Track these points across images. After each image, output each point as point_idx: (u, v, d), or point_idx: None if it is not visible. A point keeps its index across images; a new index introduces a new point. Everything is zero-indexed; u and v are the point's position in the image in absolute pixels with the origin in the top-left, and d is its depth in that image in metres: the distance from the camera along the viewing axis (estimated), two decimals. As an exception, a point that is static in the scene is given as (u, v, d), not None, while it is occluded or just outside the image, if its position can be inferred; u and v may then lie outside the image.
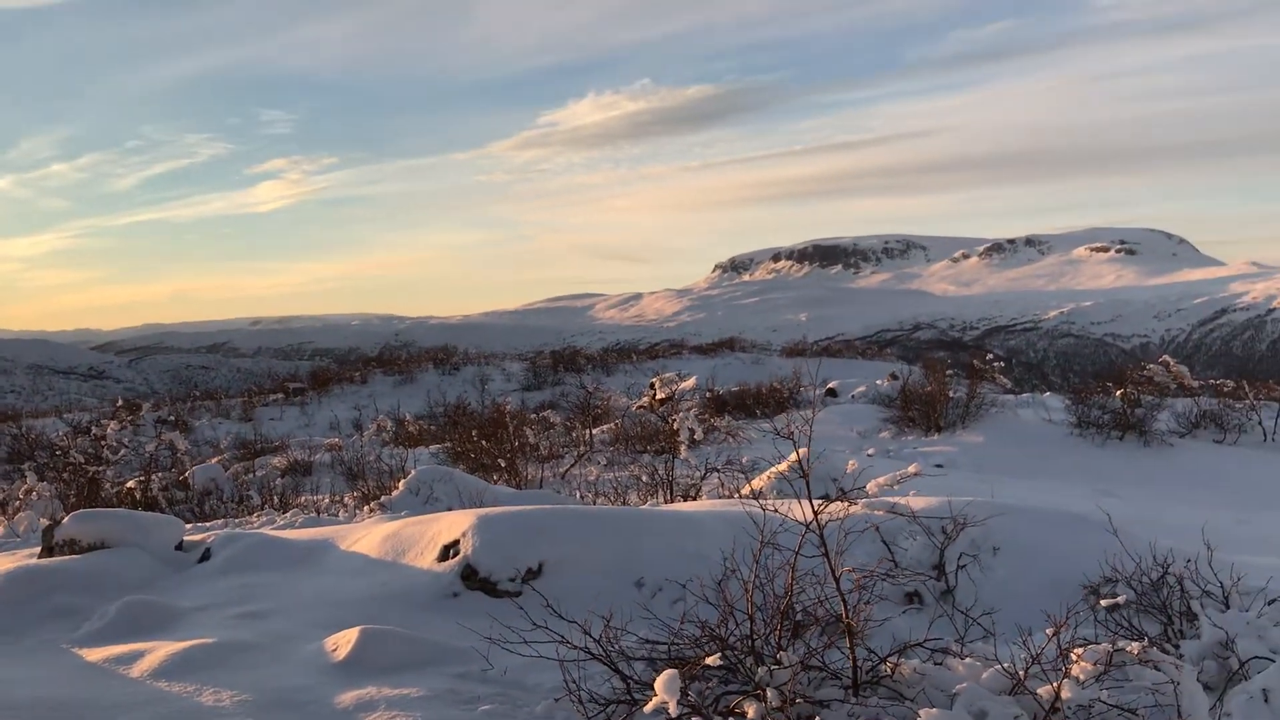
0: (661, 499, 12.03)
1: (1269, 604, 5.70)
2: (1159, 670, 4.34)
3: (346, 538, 7.81)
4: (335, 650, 5.30)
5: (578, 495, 13.39)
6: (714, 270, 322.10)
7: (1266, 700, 4.65)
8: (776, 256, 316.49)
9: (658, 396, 20.30)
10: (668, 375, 21.82)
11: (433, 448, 19.23)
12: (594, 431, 19.60)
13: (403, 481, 11.34)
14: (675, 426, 16.04)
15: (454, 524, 6.96)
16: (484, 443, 16.74)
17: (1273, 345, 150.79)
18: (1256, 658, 5.05)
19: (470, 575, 6.50)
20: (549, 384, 36.31)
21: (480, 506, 9.26)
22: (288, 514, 11.39)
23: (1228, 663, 5.13)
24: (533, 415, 22.77)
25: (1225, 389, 22.91)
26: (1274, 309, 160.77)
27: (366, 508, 11.45)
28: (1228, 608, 5.78)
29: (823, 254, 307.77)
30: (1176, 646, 5.30)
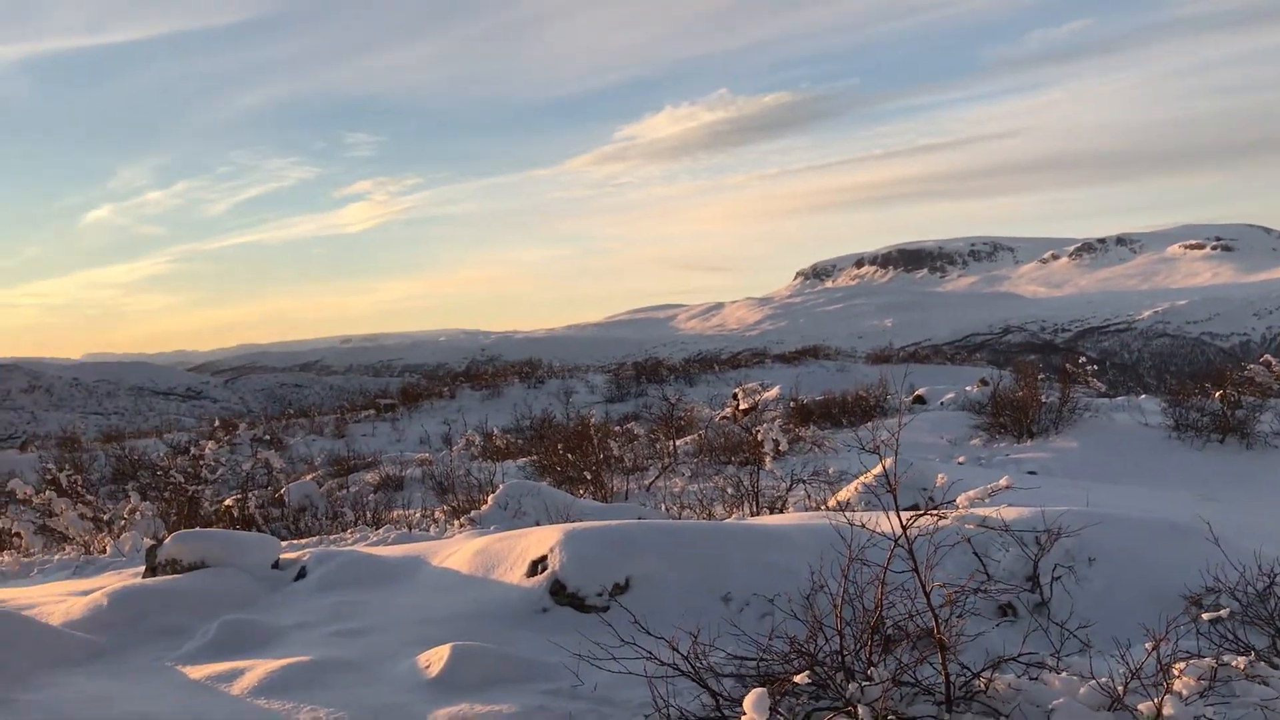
0: (747, 511, 11.99)
1: (1384, 615, 5.49)
2: (1267, 685, 4.21)
3: (437, 554, 7.92)
4: (428, 667, 5.38)
5: (663, 508, 13.40)
6: (795, 278, 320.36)
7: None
8: (859, 262, 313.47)
9: (741, 406, 20.25)
10: (750, 385, 21.78)
11: (520, 461, 19.43)
12: (678, 443, 19.60)
13: (491, 496, 11.48)
14: (759, 437, 15.98)
15: (542, 539, 7.02)
16: (569, 456, 16.87)
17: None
18: (1371, 671, 4.86)
19: (559, 591, 6.55)
20: (632, 395, 36.45)
21: (567, 521, 9.33)
22: (380, 530, 11.60)
23: (1341, 677, 4.95)
24: (616, 427, 22.88)
25: (1333, 388, 22.07)
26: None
27: (457, 522, 11.61)
28: (1339, 619, 5.57)
29: (907, 258, 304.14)
30: (1285, 660, 5.12)
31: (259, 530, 13.39)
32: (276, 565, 8.26)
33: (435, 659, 5.40)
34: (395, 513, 14.66)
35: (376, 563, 7.89)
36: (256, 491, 15.36)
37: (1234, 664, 4.24)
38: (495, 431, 25.65)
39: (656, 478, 16.82)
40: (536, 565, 6.81)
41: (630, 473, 16.99)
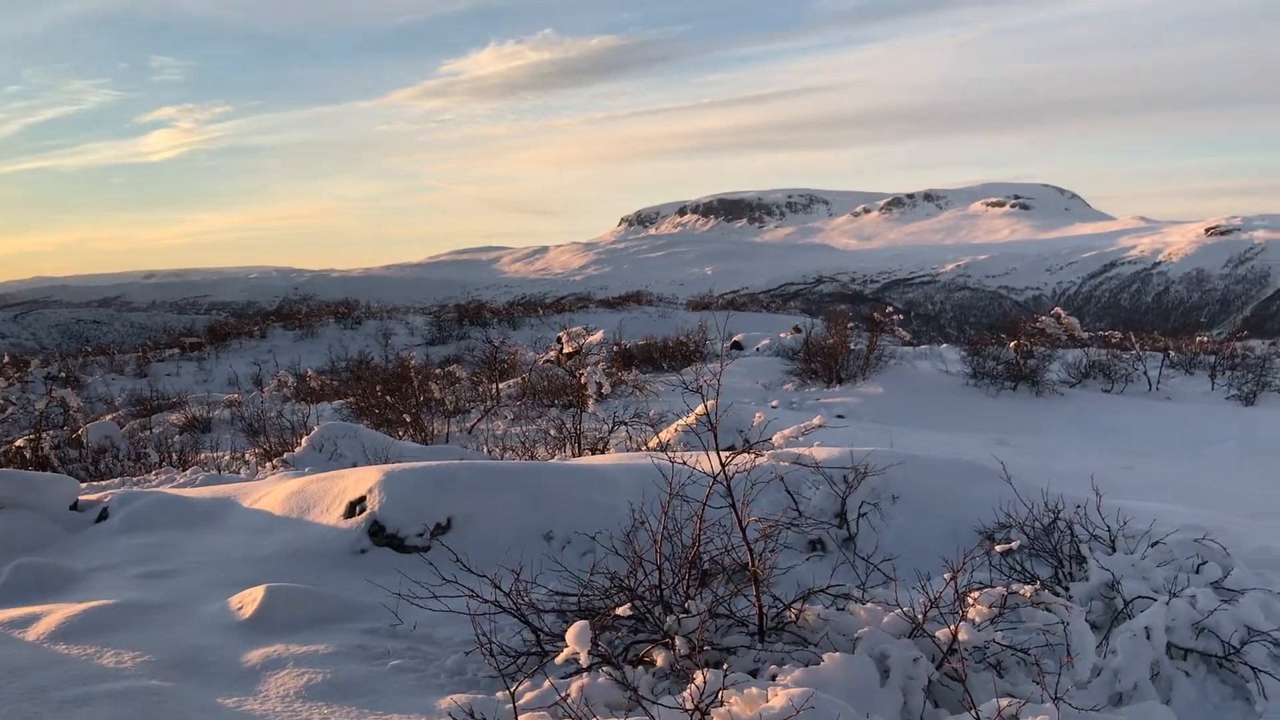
0: (570, 453, 12.07)
1: (1152, 546, 5.99)
2: (1050, 611, 4.53)
3: (249, 495, 7.68)
4: (241, 609, 5.23)
5: (485, 450, 13.35)
6: (620, 224, 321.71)
7: (1149, 637, 4.89)
8: (682, 210, 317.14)
9: (565, 350, 20.26)
10: (575, 329, 21.78)
11: (335, 403, 18.95)
12: (500, 386, 19.52)
13: (306, 438, 11.16)
14: (583, 380, 16.07)
15: (360, 480, 6.89)
16: (388, 398, 16.56)
17: (1158, 298, 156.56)
18: (1140, 597, 5.31)
19: (378, 531, 6.45)
20: (454, 338, 36.01)
21: (386, 462, 9.18)
22: (187, 472, 11.14)
23: (1113, 603, 5.39)
24: (438, 370, 22.58)
25: (1113, 340, 23.76)
26: (1159, 263, 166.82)
27: (269, 465, 11.25)
28: (1114, 551, 6.05)
29: (728, 208, 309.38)
30: (1066, 589, 5.54)
31: (54, 472, 12.64)
32: (75, 507, 7.84)
33: (248, 600, 5.25)
34: (203, 455, 14.09)
35: (184, 504, 7.59)
36: (51, 432, 14.49)
37: (1022, 592, 4.54)
38: (310, 373, 24.93)
39: (479, 420, 16.72)
40: (355, 506, 6.68)
41: (451, 415, 16.83)
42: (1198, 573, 5.67)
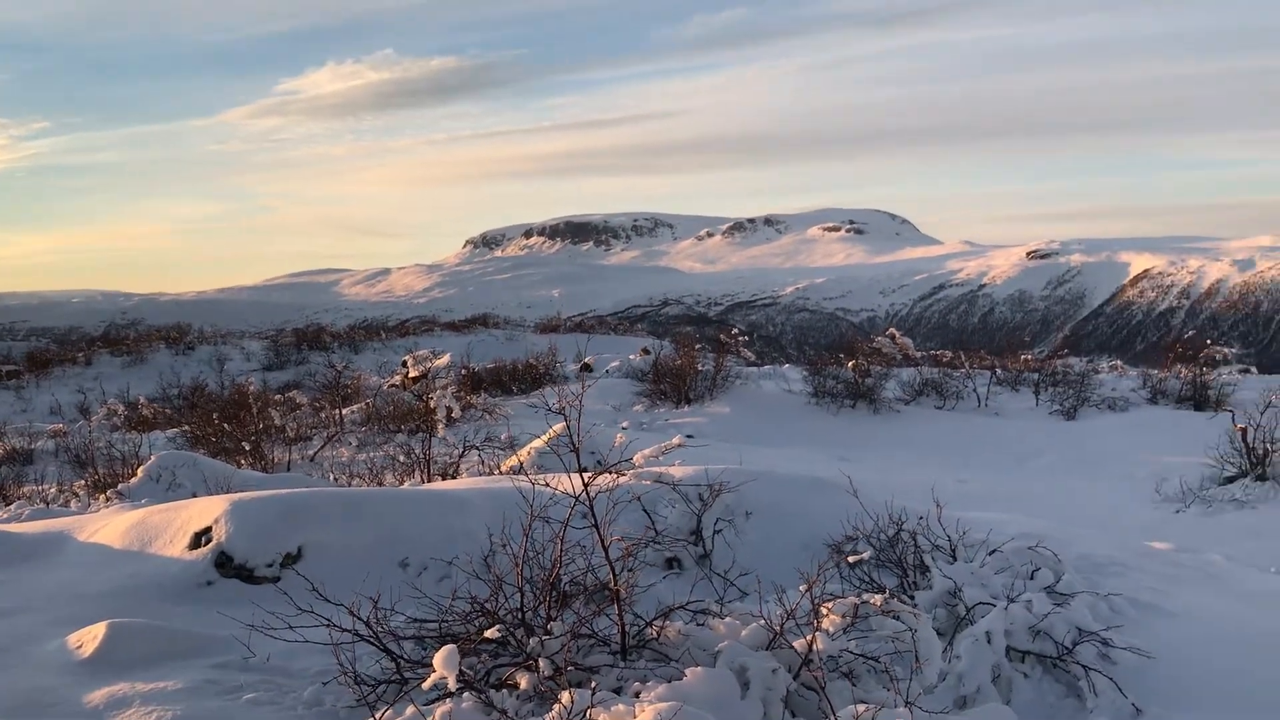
0: (420, 478, 11.89)
1: (989, 554, 6.29)
2: (899, 619, 4.72)
3: (84, 528, 7.31)
4: (80, 647, 4.98)
5: (330, 477, 13.04)
6: (465, 246, 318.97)
7: (990, 641, 5.14)
8: (528, 233, 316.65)
9: (411, 374, 19.98)
10: (421, 353, 21.52)
11: (169, 432, 18.20)
12: (344, 412, 19.09)
13: (142, 468, 10.71)
14: (431, 404, 15.87)
15: (205, 510, 6.65)
16: (226, 426, 16.01)
17: (984, 318, 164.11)
18: (980, 603, 5.57)
19: (225, 563, 6.24)
20: (293, 363, 35.05)
21: (229, 492, 8.88)
22: (11, 506, 10.53)
23: (956, 609, 5.64)
24: (277, 396, 21.94)
25: (944, 359, 24.85)
26: (985, 285, 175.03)
27: (102, 497, 10.74)
28: (955, 560, 6.33)
29: (574, 231, 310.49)
30: (912, 597, 5.76)
31: None
32: (-116, 549, 7.31)
33: (88, 638, 5.00)
34: (26, 488, 13.33)
35: (11, 540, 7.17)
36: None
37: (873, 602, 4.71)
38: (141, 400, 23.87)
39: (322, 447, 16.32)
40: (200, 537, 6.45)
41: (293, 442, 16.38)
42: (1032, 579, 5.99)
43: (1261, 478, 13.53)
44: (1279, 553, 10.72)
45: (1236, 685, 5.11)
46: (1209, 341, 24.76)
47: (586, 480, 4.78)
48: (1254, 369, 25.26)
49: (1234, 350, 26.49)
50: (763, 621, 4.50)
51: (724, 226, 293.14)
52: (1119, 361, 29.51)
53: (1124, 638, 5.43)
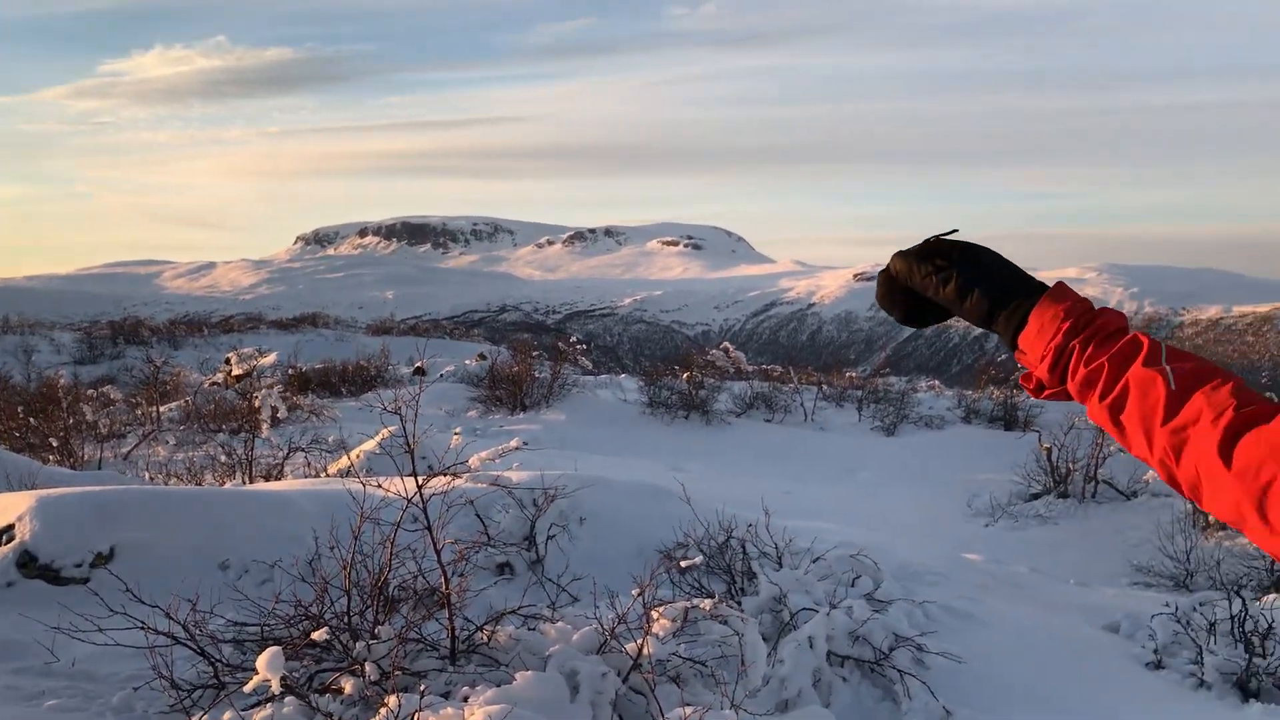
0: (242, 479, 11.47)
1: (814, 562, 6.48)
2: (727, 624, 4.81)
3: None
4: None
5: (145, 476, 12.44)
6: (296, 242, 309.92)
7: (811, 646, 5.29)
8: (363, 232, 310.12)
9: (234, 373, 19.27)
10: (246, 350, 20.79)
11: (-34, 425, 17.02)
12: (162, 409, 18.25)
13: (-67, 463, 9.97)
14: (256, 404, 15.34)
15: (7, 506, 6.24)
16: (31, 420, 15.10)
17: (812, 336, 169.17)
18: (804, 609, 5.73)
19: (28, 563, 5.86)
20: (107, 357, 33.37)
21: (34, 489, 8.36)
22: None
23: (781, 615, 5.78)
24: (89, 390, 20.83)
25: (774, 374, 25.48)
26: (814, 304, 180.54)
27: (-115, 493, 9.95)
28: (781, 567, 6.50)
29: (411, 232, 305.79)
30: (740, 603, 5.89)
31: None
32: None
33: None
34: None
35: None
36: None
37: (702, 606, 4.79)
38: (-65, 391, 22.27)
39: (137, 445, 15.56)
40: (0, 535, 6.05)
41: (105, 440, 15.56)
42: (853, 586, 6.20)
43: (1063, 495, 14.37)
44: (1077, 565, 11.41)
45: (1037, 687, 5.41)
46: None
47: (420, 482, 4.70)
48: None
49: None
50: (594, 626, 4.51)
51: (565, 235, 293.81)
52: (936, 381, 30.83)
53: (937, 643, 5.67)
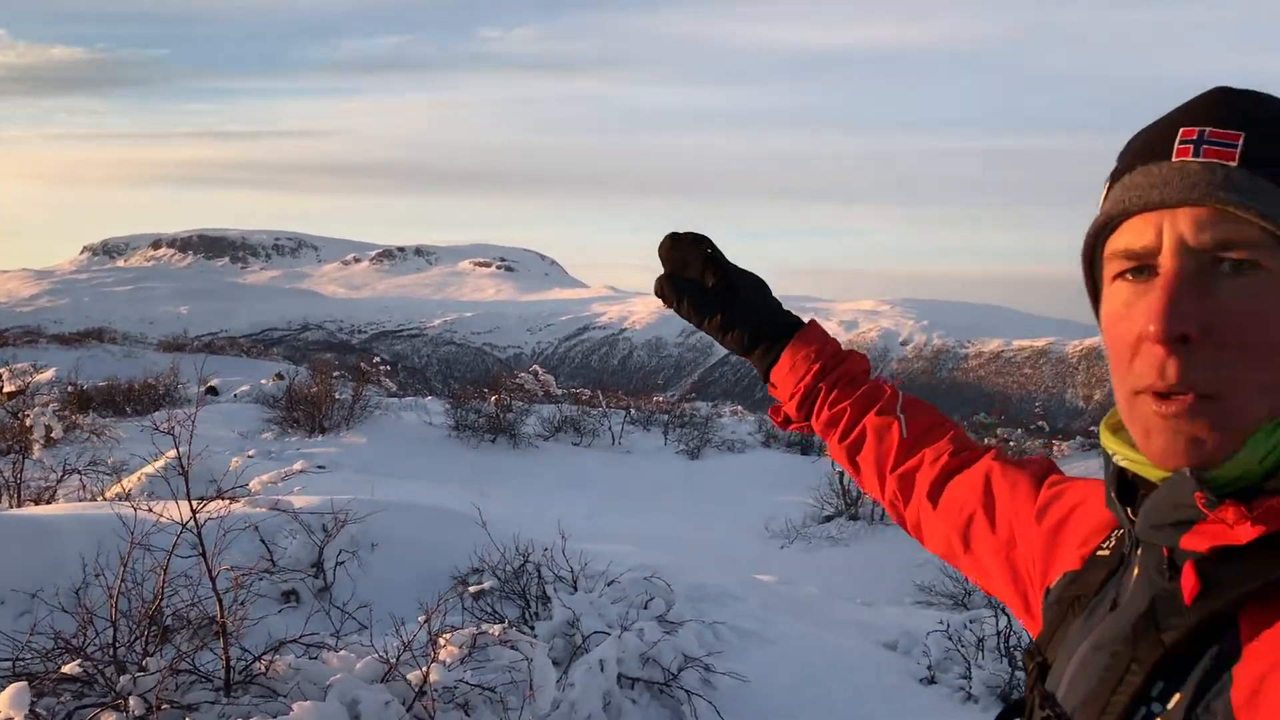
0: (8, 503, 10.68)
1: (608, 585, 6.52)
2: (516, 649, 4.78)
3: None
4: None
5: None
6: (82, 252, 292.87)
7: (602, 669, 5.31)
8: (157, 243, 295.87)
9: (5, 389, 17.99)
10: (19, 366, 19.43)
11: None
12: (-79, 427, 16.84)
13: None
14: (29, 423, 14.36)
15: None
16: None
17: (623, 361, 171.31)
18: (596, 632, 5.76)
19: None
20: None
21: None
22: None
23: (574, 639, 5.79)
24: None
25: (583, 398, 25.62)
26: (625, 329, 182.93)
27: None
28: (576, 590, 6.51)
29: (209, 245, 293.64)
30: (533, 627, 5.86)
31: None
32: None
33: None
34: None
35: None
36: None
37: (491, 632, 4.75)
38: None
39: (-112, 466, 14.30)
40: None
41: None
42: (646, 608, 6.27)
43: (854, 517, 14.97)
44: (865, 585, 11.90)
45: (817, 703, 5.59)
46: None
47: (195, 507, 4.49)
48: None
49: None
50: (378, 654, 4.41)
51: (373, 253, 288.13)
52: (740, 406, 31.63)
53: (725, 663, 5.80)
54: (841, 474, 15.35)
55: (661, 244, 1.70)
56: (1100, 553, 1.20)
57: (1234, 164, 0.95)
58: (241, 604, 4.77)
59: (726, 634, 6.40)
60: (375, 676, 4.36)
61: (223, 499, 4.76)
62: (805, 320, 1.73)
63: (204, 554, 4.45)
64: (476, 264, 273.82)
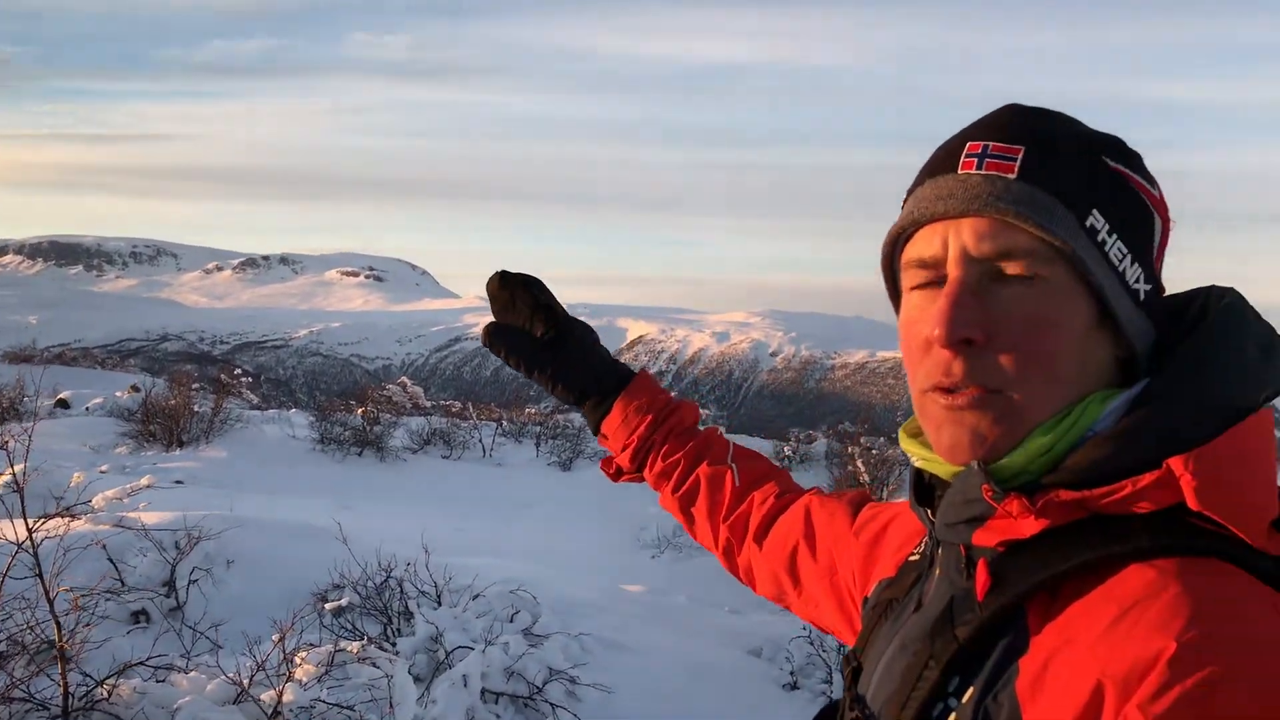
0: None
1: (473, 599, 6.45)
2: (376, 666, 4.69)
3: None
4: None
5: None
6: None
7: (466, 684, 5.25)
8: (3, 250, 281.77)
9: None
10: None
11: None
12: None
13: None
14: None
15: None
16: None
17: (496, 372, 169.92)
18: (460, 647, 5.69)
19: None
20: None
21: None
22: None
23: (436, 654, 5.71)
24: None
25: (454, 410, 25.33)
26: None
27: None
28: (440, 605, 6.42)
29: (61, 252, 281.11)
30: (395, 644, 5.76)
31: None
32: None
33: None
34: None
35: None
36: None
37: (350, 649, 4.65)
38: None
39: None
40: None
41: None
42: (511, 621, 6.23)
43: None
44: (735, 592, 12.01)
45: (681, 712, 5.63)
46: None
47: (32, 525, 4.28)
48: (723, 429, 28.27)
49: (710, 412, 29.48)
50: (230, 675, 4.27)
51: (235, 261, 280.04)
52: (612, 418, 31.68)
53: (590, 675, 5.79)
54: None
55: (490, 281, 1.66)
56: (912, 558, 1.24)
57: (1013, 176, 0.99)
58: (85, 625, 4.56)
59: (592, 645, 6.39)
60: (227, 698, 4.22)
61: (62, 516, 4.53)
62: (635, 370, 1.73)
63: (40, 575, 4.24)
64: (344, 273, 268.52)
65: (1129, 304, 0.99)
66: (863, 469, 15.56)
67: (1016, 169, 0.99)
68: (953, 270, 1.01)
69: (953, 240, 1.01)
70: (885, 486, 15.32)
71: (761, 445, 21.59)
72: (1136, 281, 1.00)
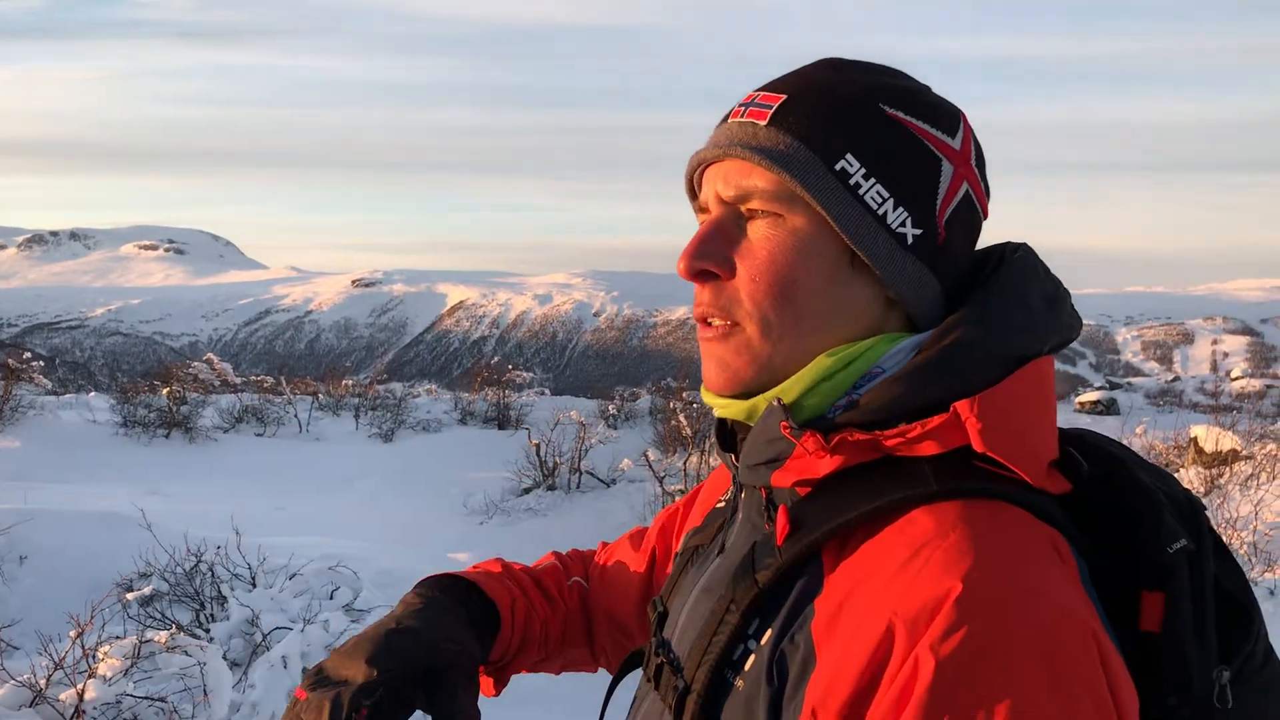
0: None
1: (290, 579, 6.27)
2: (188, 654, 4.50)
3: None
4: None
5: None
6: None
7: (285, 665, 5.10)
8: None
9: None
10: None
11: None
12: None
13: None
14: None
15: None
16: None
17: (310, 344, 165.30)
18: (278, 628, 5.52)
19: None
20: None
21: None
22: None
23: (253, 637, 5.53)
24: None
25: (266, 385, 24.46)
26: (311, 311, 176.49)
27: None
28: (255, 587, 6.22)
29: None
30: (208, 630, 5.55)
31: None
32: None
33: None
34: None
35: None
36: None
37: (157, 640, 4.44)
38: None
39: None
40: None
41: None
42: (331, 598, 6.08)
43: (552, 487, 15.18)
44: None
45: (550, 686, 5.63)
46: (512, 366, 27.29)
47: None
48: (548, 391, 28.29)
49: (534, 374, 29.42)
50: (23, 678, 4.02)
51: (20, 238, 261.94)
52: (434, 386, 31.25)
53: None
54: (538, 446, 15.51)
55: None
56: (719, 505, 1.26)
57: (763, 123, 1.03)
58: None
59: (418, 616, 6.31)
60: (22, 702, 3.98)
61: None
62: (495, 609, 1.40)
63: None
64: (142, 247, 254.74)
65: (889, 246, 1.01)
66: (685, 423, 15.82)
67: (769, 116, 1.03)
68: (711, 211, 1.08)
69: (709, 183, 1.07)
70: (707, 440, 15.64)
71: (587, 405, 21.75)
72: (902, 225, 1.01)
